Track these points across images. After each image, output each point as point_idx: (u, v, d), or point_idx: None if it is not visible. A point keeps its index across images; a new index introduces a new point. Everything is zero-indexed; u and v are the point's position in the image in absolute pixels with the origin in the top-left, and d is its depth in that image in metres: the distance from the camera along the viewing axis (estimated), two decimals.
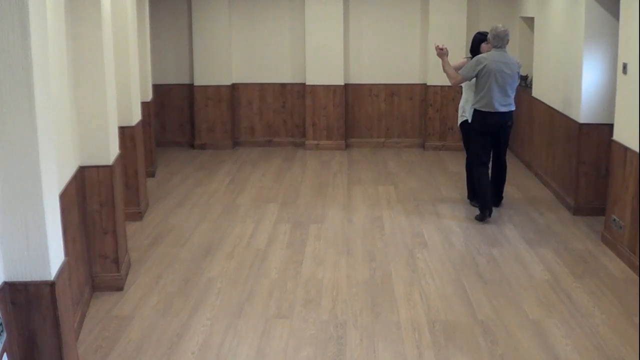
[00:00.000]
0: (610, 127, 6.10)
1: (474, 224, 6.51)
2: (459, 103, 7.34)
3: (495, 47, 6.51)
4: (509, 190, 7.66)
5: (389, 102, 9.95)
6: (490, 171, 6.84)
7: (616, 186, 5.76)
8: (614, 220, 5.74)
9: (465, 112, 6.96)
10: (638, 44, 5.32)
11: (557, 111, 7.40)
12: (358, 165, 8.97)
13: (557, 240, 6.07)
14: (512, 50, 9.59)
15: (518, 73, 6.60)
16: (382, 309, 4.74)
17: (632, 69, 5.47)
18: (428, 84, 9.57)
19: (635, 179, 5.36)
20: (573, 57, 6.82)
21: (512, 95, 6.57)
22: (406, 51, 9.82)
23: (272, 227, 6.48)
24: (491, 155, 6.87)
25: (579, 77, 6.59)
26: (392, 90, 9.91)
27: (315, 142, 9.87)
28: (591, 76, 6.51)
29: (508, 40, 6.55)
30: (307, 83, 9.78)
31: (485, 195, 6.60)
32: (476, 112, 6.63)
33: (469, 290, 5.04)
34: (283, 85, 10.00)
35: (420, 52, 9.80)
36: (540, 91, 8.22)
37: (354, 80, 9.92)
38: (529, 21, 9.16)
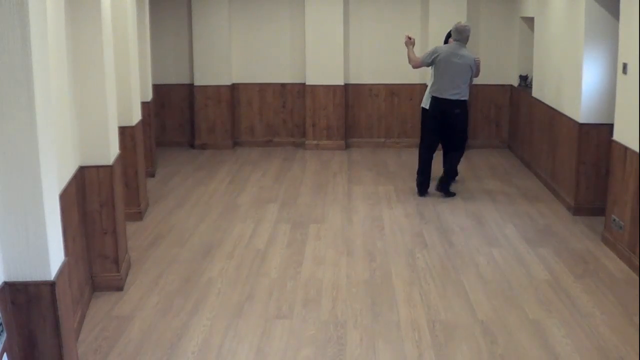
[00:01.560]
0: (610, 127, 6.10)
1: (474, 224, 6.51)
2: None
3: (455, 40, 7.21)
4: (509, 190, 7.67)
5: (389, 102, 9.95)
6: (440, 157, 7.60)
7: (616, 186, 5.76)
8: (614, 220, 5.74)
9: (426, 100, 7.62)
10: (638, 44, 5.33)
11: (557, 111, 7.40)
12: (358, 165, 8.97)
13: (557, 240, 6.07)
14: (512, 50, 9.65)
15: (471, 67, 7.13)
16: (382, 309, 4.74)
17: (632, 69, 5.47)
18: (428, 84, 9.56)
19: (635, 179, 5.37)
20: (573, 57, 6.82)
21: (463, 86, 7.16)
22: (406, 51, 9.80)
23: (272, 227, 6.48)
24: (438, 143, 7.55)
25: (579, 77, 6.60)
26: (392, 90, 9.91)
27: (315, 142, 9.87)
28: (591, 76, 6.51)
29: (468, 37, 7.20)
30: (307, 83, 9.78)
31: (420, 172, 7.46)
32: (431, 98, 7.36)
33: (469, 290, 5.04)
34: (283, 85, 10.00)
35: (421, 52, 9.76)
36: (540, 91, 8.22)
37: (354, 80, 9.92)
38: (529, 21, 9.16)
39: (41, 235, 2.88)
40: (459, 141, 7.44)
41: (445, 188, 7.44)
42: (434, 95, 7.29)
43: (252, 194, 7.59)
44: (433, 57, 7.23)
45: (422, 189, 7.46)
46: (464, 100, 7.22)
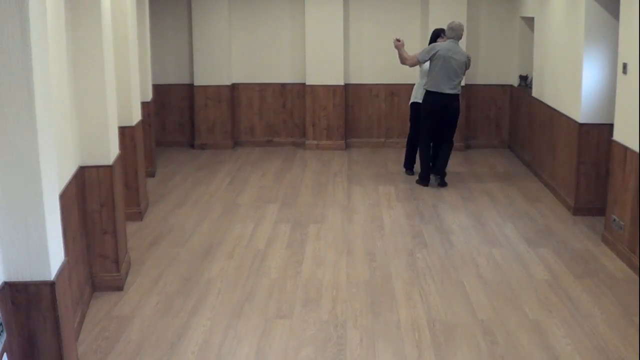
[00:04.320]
0: (610, 127, 6.10)
1: (474, 224, 6.51)
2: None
3: (450, 38, 7.69)
4: (509, 190, 7.67)
5: (389, 102, 9.95)
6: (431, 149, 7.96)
7: (616, 186, 5.76)
8: (614, 220, 5.74)
9: (417, 94, 8.05)
10: (638, 44, 5.33)
11: (557, 111, 7.40)
12: (358, 165, 8.97)
13: (557, 240, 6.07)
14: (512, 50, 9.64)
15: (465, 63, 7.67)
16: (382, 309, 4.74)
17: (632, 69, 5.47)
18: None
19: (635, 179, 5.37)
20: (573, 57, 6.82)
21: (458, 81, 7.64)
22: (406, 51, 9.80)
23: (272, 227, 6.48)
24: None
25: (579, 77, 6.60)
26: (392, 90, 9.91)
27: (315, 142, 9.87)
28: (591, 76, 6.51)
29: (461, 35, 7.70)
30: (307, 83, 9.78)
31: (425, 166, 7.83)
32: (427, 93, 7.72)
33: (469, 290, 5.04)
34: (283, 85, 10.00)
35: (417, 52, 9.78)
36: (540, 91, 8.22)
37: (354, 80, 9.92)
38: (529, 21, 9.16)
39: (41, 235, 2.88)
40: (452, 133, 7.87)
41: (443, 179, 7.85)
42: (432, 90, 7.64)
43: (252, 194, 7.59)
44: (432, 53, 7.63)
45: (428, 180, 7.85)
46: (460, 94, 7.78)
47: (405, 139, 9.06)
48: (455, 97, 7.65)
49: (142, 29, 7.84)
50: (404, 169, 8.45)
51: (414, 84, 8.47)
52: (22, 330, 2.93)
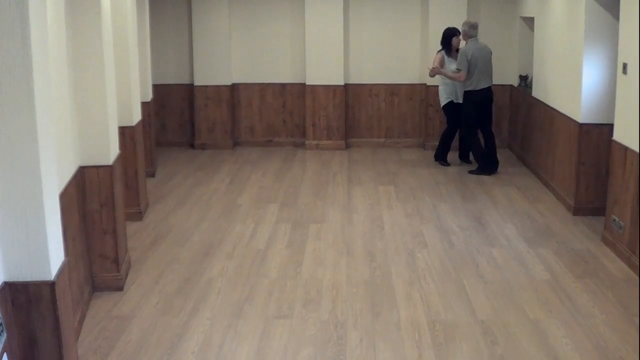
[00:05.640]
0: (610, 127, 6.10)
1: (474, 224, 6.51)
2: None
3: (472, 36, 8.19)
4: (509, 190, 7.67)
5: (389, 102, 9.94)
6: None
7: (616, 186, 5.76)
8: (614, 220, 5.74)
9: (449, 94, 8.55)
10: (638, 44, 5.32)
11: (557, 111, 7.40)
12: (358, 165, 8.97)
13: (557, 240, 6.07)
14: (512, 50, 9.64)
15: (491, 54, 8.29)
16: (382, 309, 4.74)
17: (632, 69, 5.47)
18: (428, 84, 9.55)
19: (635, 179, 5.36)
20: (573, 57, 6.82)
21: (491, 73, 8.31)
22: (406, 51, 9.82)
23: (272, 227, 6.48)
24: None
25: (579, 77, 6.59)
26: (392, 90, 9.91)
27: (315, 142, 9.87)
28: (591, 76, 6.51)
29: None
30: (307, 83, 9.77)
31: (485, 154, 8.35)
32: (470, 93, 8.21)
33: (469, 290, 5.04)
34: (283, 85, 10.00)
35: (421, 52, 9.79)
36: (540, 91, 8.22)
37: (354, 80, 9.92)
38: (529, 21, 9.16)
39: (41, 235, 2.88)
40: (491, 123, 8.52)
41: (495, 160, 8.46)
42: (473, 89, 8.18)
43: (252, 194, 7.59)
44: (468, 58, 8.11)
45: (492, 165, 8.38)
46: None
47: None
48: (491, 89, 8.35)
49: (142, 29, 7.84)
50: (440, 162, 8.83)
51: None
52: (22, 330, 2.93)
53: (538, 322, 4.52)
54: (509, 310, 4.70)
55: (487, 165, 8.35)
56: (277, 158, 9.35)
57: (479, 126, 8.38)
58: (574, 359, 4.06)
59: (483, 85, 8.18)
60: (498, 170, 8.35)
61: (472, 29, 8.15)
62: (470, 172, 8.37)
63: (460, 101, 8.46)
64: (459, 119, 8.54)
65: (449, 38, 8.53)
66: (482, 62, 8.12)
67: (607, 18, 6.39)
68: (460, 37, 8.43)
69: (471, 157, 8.79)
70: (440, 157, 8.86)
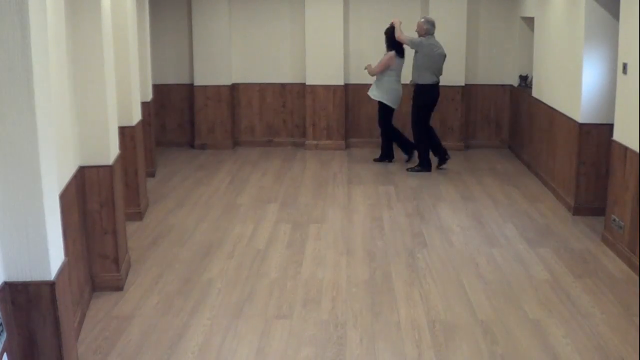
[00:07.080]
0: (610, 127, 6.10)
1: (474, 224, 6.51)
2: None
3: (431, 34, 8.36)
4: (509, 190, 7.68)
5: None
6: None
7: (616, 186, 5.76)
8: (614, 220, 5.74)
9: (382, 95, 8.76)
10: (638, 44, 5.32)
11: (557, 111, 7.40)
12: (358, 165, 8.97)
13: (557, 240, 6.07)
14: (512, 50, 9.65)
15: (444, 56, 8.41)
16: (382, 309, 4.74)
17: (632, 69, 5.47)
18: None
19: (635, 179, 5.36)
20: (573, 57, 6.82)
21: (438, 71, 8.42)
22: (406, 51, 9.80)
23: (272, 227, 6.48)
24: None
25: (579, 77, 6.59)
26: None
27: (315, 142, 9.87)
28: (591, 76, 6.51)
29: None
30: (307, 83, 9.77)
31: (438, 150, 8.55)
32: (429, 86, 8.36)
33: (469, 290, 5.04)
34: (283, 85, 10.00)
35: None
36: (540, 91, 8.22)
37: (354, 80, 9.91)
38: (529, 21, 9.16)
39: (41, 235, 2.88)
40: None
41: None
42: (430, 82, 8.33)
43: (252, 194, 7.59)
44: (416, 46, 8.34)
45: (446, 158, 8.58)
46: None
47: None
48: (438, 86, 8.51)
49: (142, 29, 7.84)
50: (406, 156, 8.97)
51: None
52: (22, 330, 2.93)
53: (538, 322, 4.52)
54: (509, 310, 4.70)
55: (438, 157, 8.54)
56: (277, 158, 9.35)
57: (428, 122, 8.55)
58: (574, 359, 4.06)
59: (427, 80, 8.33)
60: (447, 159, 8.56)
61: (432, 26, 8.36)
62: (410, 169, 8.50)
63: (392, 105, 8.74)
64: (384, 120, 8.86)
65: (393, 37, 8.62)
66: (429, 58, 8.27)
67: (607, 18, 6.39)
68: (416, 30, 8.52)
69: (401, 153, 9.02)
70: (405, 152, 9.04)
